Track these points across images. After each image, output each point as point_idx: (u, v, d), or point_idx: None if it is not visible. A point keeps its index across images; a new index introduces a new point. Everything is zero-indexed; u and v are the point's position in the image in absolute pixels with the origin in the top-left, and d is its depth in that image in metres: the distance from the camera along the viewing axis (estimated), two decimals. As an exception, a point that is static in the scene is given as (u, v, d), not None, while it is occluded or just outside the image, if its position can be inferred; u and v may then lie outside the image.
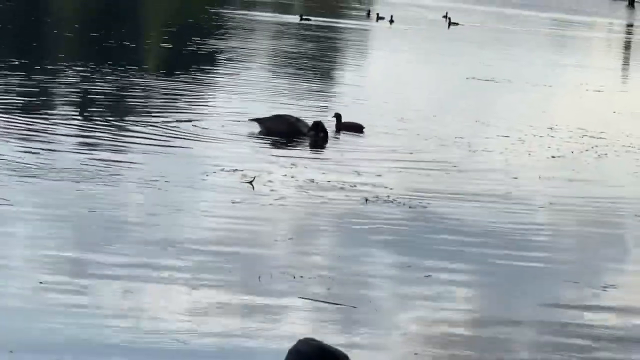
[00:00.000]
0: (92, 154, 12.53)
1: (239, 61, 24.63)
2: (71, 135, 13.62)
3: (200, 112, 16.45)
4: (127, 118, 15.22)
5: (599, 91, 24.08)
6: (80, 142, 13.22)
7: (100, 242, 9.03)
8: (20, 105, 15.69)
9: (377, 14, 45.42)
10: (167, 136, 13.95)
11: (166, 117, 15.48)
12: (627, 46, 45.44)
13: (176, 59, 23.66)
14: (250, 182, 11.56)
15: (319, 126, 14.54)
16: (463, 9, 63.35)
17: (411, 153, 14.23)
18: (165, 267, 8.45)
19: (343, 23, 41.96)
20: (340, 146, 14.29)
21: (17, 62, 20.97)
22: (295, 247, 9.34)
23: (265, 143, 14.20)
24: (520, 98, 21.55)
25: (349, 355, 5.34)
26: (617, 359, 7.37)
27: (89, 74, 19.89)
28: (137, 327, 7.14)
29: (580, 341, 7.58)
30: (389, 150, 14.31)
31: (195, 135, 14.17)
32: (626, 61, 37.33)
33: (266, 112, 16.21)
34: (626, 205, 12.28)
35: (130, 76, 19.96)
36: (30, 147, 12.57)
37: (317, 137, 14.42)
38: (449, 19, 44.78)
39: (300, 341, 6.67)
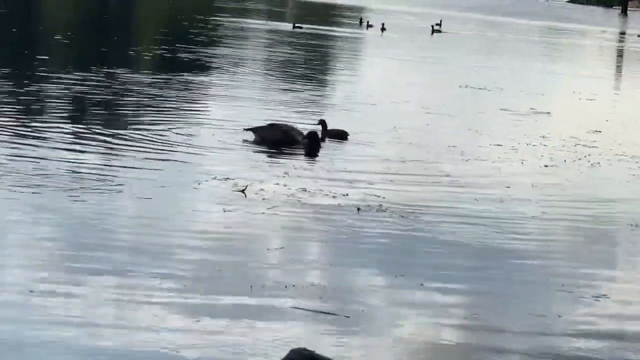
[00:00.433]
0: (83, 161, 12.51)
1: (233, 69, 24.63)
2: (62, 142, 13.60)
3: (193, 120, 16.46)
4: (119, 126, 15.20)
5: (592, 99, 24.14)
6: (71, 150, 13.20)
7: (90, 249, 9.02)
8: (13, 111, 15.67)
9: (367, 22, 45.50)
10: (159, 144, 13.93)
11: (159, 125, 15.47)
12: (620, 54, 45.56)
13: (169, 67, 23.65)
14: (243, 191, 11.55)
15: (313, 135, 14.55)
16: (455, 17, 63.51)
17: (404, 162, 14.23)
18: (157, 275, 8.43)
19: (335, 31, 42.02)
20: (333, 155, 14.28)
21: (8, 70, 20.94)
22: (288, 256, 9.32)
23: (258, 151, 14.19)
24: (513, 106, 21.56)
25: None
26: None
27: (81, 82, 19.88)
28: (127, 336, 7.12)
29: (573, 351, 7.57)
30: (381, 159, 14.30)
31: (187, 144, 14.16)
32: (619, 69, 37.43)
33: (259, 119, 16.22)
34: (619, 214, 12.29)
35: (123, 84, 19.95)
36: (22, 154, 12.57)
37: (311, 146, 14.42)
38: (432, 27, 44.92)
39: (292, 351, 6.67)
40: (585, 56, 43.59)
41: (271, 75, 24.22)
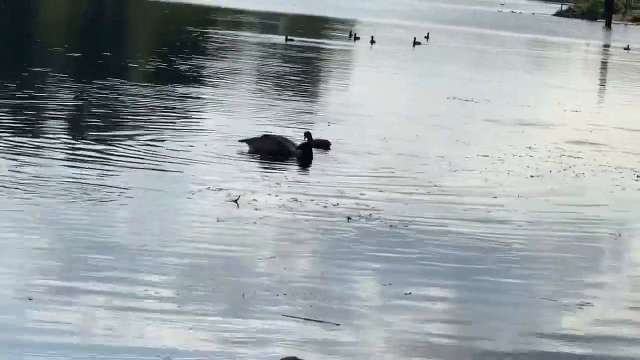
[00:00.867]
0: (77, 172, 12.66)
1: (226, 81, 24.81)
2: (57, 153, 13.75)
3: (187, 131, 16.61)
4: (113, 137, 15.35)
5: (577, 111, 24.40)
6: (64, 160, 13.36)
7: (84, 259, 9.18)
8: (6, 121, 15.79)
9: (355, 34, 45.70)
10: (153, 155, 14.10)
11: (152, 135, 15.64)
12: (604, 67, 45.89)
13: (162, 79, 23.81)
14: (235, 201, 11.75)
15: (306, 146, 14.78)
16: (443, 30, 63.75)
17: (393, 172, 14.45)
18: (150, 285, 8.60)
19: (326, 44, 42.22)
20: (324, 165, 14.49)
21: (2, 82, 21.04)
22: (279, 265, 9.51)
23: (251, 162, 14.39)
24: (500, 118, 21.81)
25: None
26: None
27: (74, 93, 20.03)
28: (121, 345, 7.28)
29: (559, 358, 7.79)
30: (371, 169, 14.52)
31: (181, 154, 14.32)
32: (603, 81, 37.73)
33: (252, 130, 16.44)
34: (603, 224, 12.51)
35: (117, 95, 20.11)
36: (15, 164, 12.71)
37: (304, 157, 14.65)
38: (414, 39, 45.15)
39: (283, 359, 6.85)
40: (570, 68, 43.90)
41: (263, 87, 24.41)
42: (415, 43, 44.52)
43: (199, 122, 17.89)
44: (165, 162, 13.77)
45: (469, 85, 28.51)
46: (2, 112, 16.90)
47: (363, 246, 10.43)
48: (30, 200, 11.05)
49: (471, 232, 11.35)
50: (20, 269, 8.77)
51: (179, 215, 11.10)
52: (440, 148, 16.84)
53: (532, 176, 15.01)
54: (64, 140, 14.79)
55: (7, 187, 11.50)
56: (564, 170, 15.70)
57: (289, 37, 41.08)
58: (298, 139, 15.37)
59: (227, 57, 31.94)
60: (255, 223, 10.93)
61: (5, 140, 14.27)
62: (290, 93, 23.46)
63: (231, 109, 19.65)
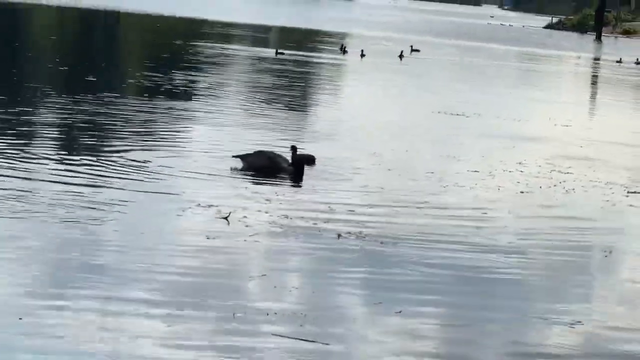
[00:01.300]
0: (67, 187, 12.65)
1: (216, 95, 24.81)
2: (46, 168, 13.73)
3: (177, 146, 16.60)
4: (102, 152, 15.35)
5: (567, 125, 24.45)
6: (52, 175, 13.34)
7: (72, 276, 9.17)
8: (-4, 139, 15.80)
9: (344, 47, 45.80)
10: (142, 171, 14.09)
11: (142, 151, 15.63)
12: (594, 80, 46.03)
13: (152, 93, 23.79)
14: (226, 218, 11.74)
15: (298, 163, 14.80)
16: (432, 42, 63.92)
17: (383, 188, 14.45)
18: (138, 303, 8.59)
19: (316, 57, 42.29)
20: (314, 182, 14.48)
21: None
22: (269, 284, 9.51)
23: (241, 178, 14.38)
24: (490, 132, 21.85)
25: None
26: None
27: (63, 107, 20.01)
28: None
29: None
30: (361, 185, 14.53)
31: (171, 170, 14.31)
32: (593, 95, 37.84)
33: (242, 145, 16.46)
34: (594, 240, 12.54)
35: (107, 110, 20.09)
36: (4, 180, 12.69)
37: (296, 173, 14.66)
38: (402, 52, 45.27)
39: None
40: (561, 82, 44.03)
41: (253, 101, 24.42)
42: (402, 56, 44.60)
43: (189, 137, 17.88)
44: (154, 178, 13.75)
45: (459, 99, 28.57)
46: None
47: (353, 264, 10.42)
48: (17, 218, 11.02)
49: (461, 249, 11.36)
50: (9, 288, 8.74)
51: (168, 233, 11.08)
52: (430, 163, 16.86)
53: (522, 192, 15.04)
54: (51, 155, 14.76)
55: (-4, 204, 11.47)
56: (554, 185, 15.73)
57: (279, 51, 41.16)
58: (288, 153, 15.38)
59: (218, 71, 31.96)
60: (245, 240, 10.92)
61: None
62: (279, 108, 23.47)
63: (221, 124, 19.65)
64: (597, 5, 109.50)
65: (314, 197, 13.45)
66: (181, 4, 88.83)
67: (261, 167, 14.77)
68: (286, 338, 8.06)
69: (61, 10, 64.37)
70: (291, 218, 12.05)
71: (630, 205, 14.76)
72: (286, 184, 14.31)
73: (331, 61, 40.47)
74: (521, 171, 16.77)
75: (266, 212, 12.26)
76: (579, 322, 9.15)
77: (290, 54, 41.46)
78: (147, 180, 13.59)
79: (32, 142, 15.87)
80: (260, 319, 8.46)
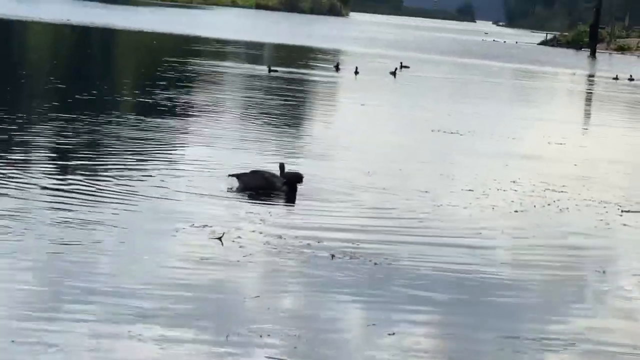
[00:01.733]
0: (61, 207, 12.65)
1: (210, 114, 24.82)
2: (37, 188, 13.72)
3: (171, 166, 16.58)
4: (96, 172, 15.34)
5: (561, 144, 24.50)
6: (48, 195, 13.34)
7: (68, 297, 9.18)
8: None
9: (337, 65, 45.89)
10: (137, 191, 14.07)
11: (137, 171, 15.62)
12: (589, 97, 46.14)
13: (146, 112, 23.81)
14: (220, 238, 11.74)
15: (292, 182, 14.82)
16: (426, 60, 64.05)
17: (377, 208, 14.46)
18: (133, 324, 8.59)
19: (310, 74, 42.35)
20: (309, 202, 14.48)
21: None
22: (263, 305, 9.50)
23: (235, 198, 14.38)
24: (485, 151, 21.89)
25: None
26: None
27: (58, 127, 20.00)
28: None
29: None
30: (355, 205, 14.53)
31: (165, 190, 14.31)
32: (587, 113, 37.91)
33: (237, 164, 16.50)
34: (587, 259, 12.55)
35: (101, 129, 20.09)
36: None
37: (290, 192, 14.68)
38: (395, 69, 45.38)
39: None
40: (555, 99, 44.12)
41: (247, 120, 24.44)
42: (395, 73, 44.69)
43: (183, 156, 17.88)
44: (148, 197, 13.75)
45: (453, 117, 28.62)
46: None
47: (347, 284, 10.43)
48: (10, 240, 11.01)
49: (455, 269, 11.37)
50: (1, 310, 8.72)
51: (162, 253, 11.07)
52: (424, 182, 16.87)
53: (516, 211, 15.05)
54: (45, 174, 14.75)
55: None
56: (548, 205, 15.75)
57: (272, 68, 41.23)
58: (277, 171, 15.42)
59: (211, 89, 31.99)
60: (239, 261, 10.93)
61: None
62: (273, 126, 23.49)
63: (215, 143, 19.66)
64: (591, 22, 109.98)
65: (307, 217, 13.46)
66: (175, 21, 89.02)
67: (256, 187, 14.80)
68: (280, 360, 8.07)
69: (55, 27, 64.45)
70: (285, 238, 12.06)
71: (624, 225, 14.78)
72: (280, 204, 14.32)
73: (325, 79, 40.53)
74: (515, 190, 16.79)
75: (260, 233, 12.27)
76: (572, 343, 9.16)
77: (283, 71, 41.54)
78: (140, 199, 13.58)
79: (26, 161, 15.86)
80: (254, 341, 8.46)
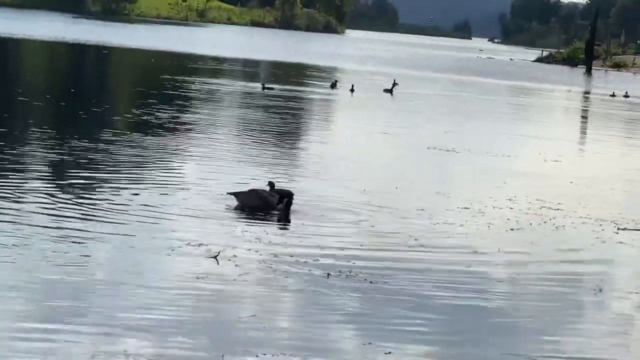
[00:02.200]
0: (57, 225, 12.63)
1: (205, 132, 24.82)
2: (32, 206, 13.69)
3: (168, 183, 16.55)
4: (91, 190, 15.32)
5: (557, 161, 24.50)
6: (41, 214, 13.30)
7: (63, 316, 9.16)
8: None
9: (333, 82, 45.93)
10: (132, 209, 14.04)
11: (132, 189, 15.59)
12: (584, 114, 46.20)
13: (141, 130, 23.80)
14: (215, 257, 11.72)
15: (288, 201, 14.81)
16: (422, 77, 64.16)
17: (373, 226, 14.44)
18: (128, 342, 8.57)
19: (306, 92, 42.39)
20: (304, 220, 14.47)
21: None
22: (258, 324, 9.48)
23: (230, 216, 14.36)
24: (481, 168, 21.89)
25: None
26: None
27: (53, 145, 19.99)
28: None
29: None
30: (351, 223, 14.51)
31: (160, 208, 14.28)
32: (583, 130, 37.95)
33: (232, 182, 16.51)
34: (584, 278, 12.53)
35: (96, 147, 20.08)
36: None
37: (286, 211, 14.69)
38: (392, 87, 45.43)
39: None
40: (551, 116, 44.17)
41: (242, 138, 24.43)
42: (392, 91, 44.73)
43: (178, 174, 17.85)
44: (144, 216, 13.72)
45: (450, 135, 28.63)
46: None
47: (343, 304, 10.40)
48: (5, 257, 10.98)
49: (452, 288, 11.34)
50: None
51: (157, 272, 11.04)
52: (420, 201, 16.85)
53: (512, 229, 15.04)
54: (40, 193, 14.72)
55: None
56: (544, 222, 15.74)
57: (266, 86, 41.26)
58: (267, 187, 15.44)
59: (207, 107, 31.99)
60: (234, 280, 10.90)
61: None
62: (269, 144, 23.49)
63: (210, 161, 19.64)
64: (587, 39, 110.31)
65: (303, 235, 13.44)
66: (171, 38, 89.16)
67: (254, 205, 14.81)
68: (275, 380, 8.03)
69: (50, 44, 64.52)
70: (281, 257, 12.03)
71: (621, 242, 14.76)
72: (276, 222, 14.29)
73: (321, 97, 40.56)
74: (511, 208, 16.78)
75: (256, 251, 12.24)
76: (569, 362, 9.14)
77: (279, 89, 41.58)
78: (135, 217, 13.56)
79: (20, 179, 15.82)
80: (249, 361, 8.43)
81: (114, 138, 21.90)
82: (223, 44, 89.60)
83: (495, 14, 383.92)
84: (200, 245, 12.28)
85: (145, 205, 14.43)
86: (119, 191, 15.33)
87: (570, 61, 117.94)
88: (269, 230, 13.65)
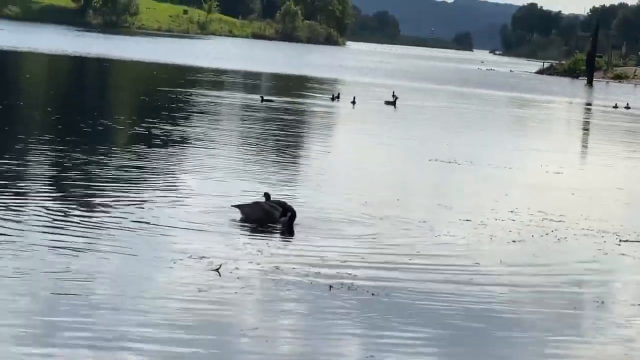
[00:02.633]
0: (59, 237, 12.63)
1: (206, 144, 24.82)
2: (35, 217, 13.71)
3: (170, 196, 16.54)
4: (97, 202, 15.31)
5: (559, 173, 24.49)
6: (44, 226, 13.31)
7: (65, 327, 9.15)
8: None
9: (335, 94, 45.95)
10: (134, 221, 14.05)
11: (134, 202, 15.59)
12: (586, 126, 46.20)
13: (143, 143, 23.81)
14: (217, 270, 11.71)
15: (291, 215, 14.81)
16: (424, 89, 64.20)
17: (375, 238, 14.43)
18: (131, 354, 8.56)
19: (307, 104, 42.40)
20: (306, 232, 14.46)
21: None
22: (261, 336, 9.47)
23: (232, 229, 14.36)
24: (482, 180, 21.88)
25: None
26: None
27: (55, 157, 20.01)
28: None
29: None
30: (353, 235, 14.51)
31: (162, 221, 14.28)
32: (584, 142, 37.94)
33: (234, 193, 16.52)
34: (586, 290, 12.51)
35: (98, 160, 20.09)
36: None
37: (289, 224, 14.68)
38: (395, 100, 45.44)
39: None
40: (552, 128, 44.17)
41: (244, 151, 24.43)
42: (395, 104, 44.75)
43: (180, 187, 17.84)
44: (146, 228, 13.72)
45: (451, 147, 28.63)
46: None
47: (345, 316, 10.39)
48: (8, 268, 10.98)
49: (454, 300, 11.33)
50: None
51: (160, 285, 11.04)
52: (422, 212, 16.84)
53: (514, 241, 15.02)
54: (43, 205, 14.72)
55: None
56: (546, 234, 15.72)
57: (265, 98, 41.29)
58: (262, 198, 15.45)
59: (209, 120, 32.01)
60: (236, 293, 10.89)
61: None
62: (270, 157, 23.49)
63: (212, 174, 19.64)
64: (588, 50, 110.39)
65: (305, 248, 13.43)
66: (173, 50, 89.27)
67: (257, 218, 14.82)
68: (277, 393, 8.02)
69: (52, 57, 64.61)
70: (283, 269, 12.03)
71: (623, 254, 14.75)
72: (278, 234, 14.29)
73: (322, 109, 40.58)
74: (513, 220, 16.77)
75: (258, 264, 12.24)
76: (572, 374, 9.13)
77: (280, 101, 41.61)
78: (137, 230, 13.56)
79: (22, 191, 15.83)
80: (251, 374, 8.42)
81: (115, 150, 21.92)
82: (224, 57, 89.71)
83: (497, 26, 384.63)
84: (202, 257, 12.28)
85: (146, 217, 14.43)
86: (120, 203, 15.33)
87: (571, 73, 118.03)
88: (270, 242, 13.65)
